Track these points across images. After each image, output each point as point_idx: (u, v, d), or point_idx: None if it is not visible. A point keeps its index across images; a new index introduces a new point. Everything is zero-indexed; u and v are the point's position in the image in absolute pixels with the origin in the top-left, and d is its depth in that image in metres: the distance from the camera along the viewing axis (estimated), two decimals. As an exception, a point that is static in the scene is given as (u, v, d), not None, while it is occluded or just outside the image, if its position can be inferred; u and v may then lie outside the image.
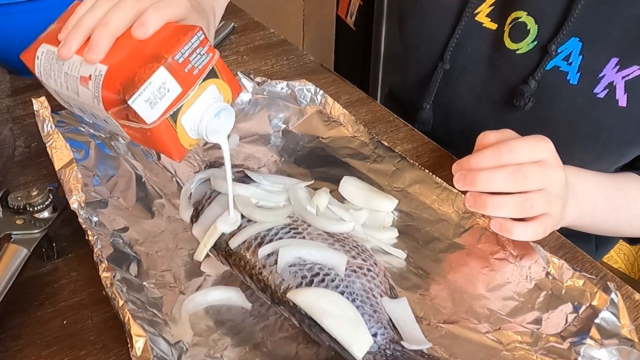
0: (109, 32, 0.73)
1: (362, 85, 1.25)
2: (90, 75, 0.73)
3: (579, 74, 1.02)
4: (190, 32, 0.72)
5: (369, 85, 2.69)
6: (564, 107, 1.05)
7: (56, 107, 1.11)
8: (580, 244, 0.96)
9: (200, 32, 0.73)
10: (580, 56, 1.02)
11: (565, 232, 0.97)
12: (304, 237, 0.79)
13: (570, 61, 1.03)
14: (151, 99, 0.69)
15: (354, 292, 0.75)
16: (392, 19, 2.57)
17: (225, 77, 0.77)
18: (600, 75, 1.01)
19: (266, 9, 1.92)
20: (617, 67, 1.00)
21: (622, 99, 1.01)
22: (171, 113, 0.72)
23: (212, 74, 0.75)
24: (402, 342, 0.73)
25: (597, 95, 1.02)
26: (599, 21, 1.01)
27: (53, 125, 0.97)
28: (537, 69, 1.04)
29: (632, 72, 1.00)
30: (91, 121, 0.84)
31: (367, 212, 0.94)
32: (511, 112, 1.09)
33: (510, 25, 1.08)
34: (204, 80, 0.74)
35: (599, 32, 1.01)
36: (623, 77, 1.00)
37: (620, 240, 1.70)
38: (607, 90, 1.01)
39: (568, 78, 1.03)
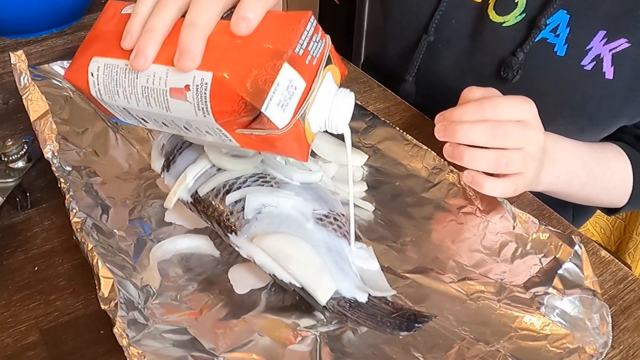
0: (201, 32, 0.63)
1: (345, 59, 1.25)
2: (188, 86, 0.63)
3: (566, 46, 1.03)
4: (304, 19, 0.63)
5: (351, 59, 2.69)
6: (551, 79, 1.06)
7: (34, 62, 1.12)
8: (558, 213, 0.97)
9: (312, 17, 0.64)
10: (568, 29, 1.02)
11: (543, 199, 0.98)
12: (271, 186, 0.80)
13: (557, 33, 1.03)
14: (282, 101, 0.62)
15: (319, 239, 0.76)
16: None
17: (336, 60, 0.69)
18: (587, 48, 1.02)
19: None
20: (605, 40, 1.01)
21: (609, 72, 1.02)
22: (301, 113, 0.65)
23: (328, 61, 0.67)
24: (366, 289, 0.74)
25: (584, 68, 1.02)
26: None
27: (30, 78, 0.97)
28: (525, 41, 1.04)
29: (619, 45, 1.00)
30: (177, 134, 0.73)
31: (336, 165, 0.96)
32: (496, 85, 1.09)
33: None
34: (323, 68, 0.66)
35: (587, 5, 1.02)
36: (610, 50, 1.01)
37: (598, 213, 1.71)
38: (594, 62, 1.02)
39: (555, 50, 1.04)
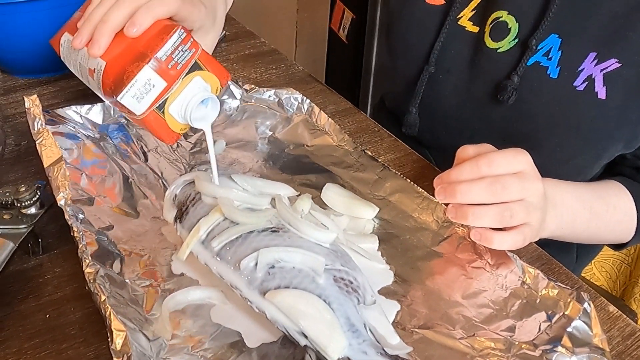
0: (108, 28, 0.81)
1: (352, 98, 1.27)
2: (94, 69, 0.82)
3: (558, 68, 1.05)
4: (172, 31, 0.80)
5: (359, 98, 2.71)
6: (545, 100, 1.08)
7: (47, 106, 1.12)
8: (561, 254, 0.97)
9: (182, 30, 0.81)
10: (560, 51, 1.05)
11: (546, 242, 0.99)
12: (284, 240, 0.80)
13: (550, 56, 1.06)
14: (137, 94, 0.79)
15: (331, 295, 0.76)
16: (383, 33, 2.59)
17: (210, 67, 0.84)
18: (579, 69, 1.04)
19: (259, 20, 1.93)
20: (596, 60, 1.03)
21: (601, 92, 1.04)
22: (157, 105, 0.81)
23: (196, 67, 0.82)
24: (379, 346, 0.74)
25: (577, 88, 1.04)
26: (577, 17, 1.05)
27: (44, 123, 0.98)
28: (519, 64, 1.07)
29: (610, 65, 1.03)
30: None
31: (347, 218, 0.96)
32: (494, 109, 1.12)
33: (490, 26, 1.12)
34: (188, 73, 0.82)
35: (577, 28, 1.05)
36: (602, 70, 1.03)
37: (602, 257, 1.71)
38: (587, 83, 1.04)
39: (548, 72, 1.06)
